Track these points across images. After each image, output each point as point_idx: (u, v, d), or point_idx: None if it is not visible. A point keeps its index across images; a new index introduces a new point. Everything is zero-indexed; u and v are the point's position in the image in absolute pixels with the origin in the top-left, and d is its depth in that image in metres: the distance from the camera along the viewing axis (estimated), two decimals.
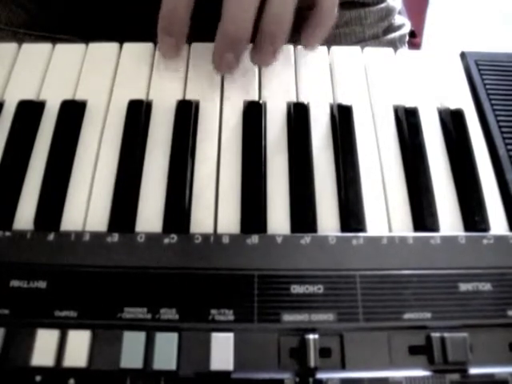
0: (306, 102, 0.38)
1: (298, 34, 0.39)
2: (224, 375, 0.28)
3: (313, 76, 0.40)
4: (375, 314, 0.30)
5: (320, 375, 0.28)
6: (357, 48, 0.42)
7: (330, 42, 0.54)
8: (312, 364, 0.28)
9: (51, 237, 0.31)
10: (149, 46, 0.41)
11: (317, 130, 0.37)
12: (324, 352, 0.29)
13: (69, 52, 0.41)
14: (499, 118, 0.38)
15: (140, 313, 0.29)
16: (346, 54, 0.42)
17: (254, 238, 0.32)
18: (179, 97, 0.39)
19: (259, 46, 0.37)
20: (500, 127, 0.37)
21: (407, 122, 0.37)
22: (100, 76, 0.39)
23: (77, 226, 0.32)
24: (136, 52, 0.41)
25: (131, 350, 0.28)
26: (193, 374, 0.28)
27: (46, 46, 0.41)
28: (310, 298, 0.30)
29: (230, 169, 0.35)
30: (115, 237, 0.31)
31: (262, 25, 0.36)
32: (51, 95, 0.38)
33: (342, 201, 0.34)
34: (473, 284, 0.31)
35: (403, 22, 0.62)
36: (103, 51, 0.41)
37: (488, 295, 0.31)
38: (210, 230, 0.33)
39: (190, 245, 0.31)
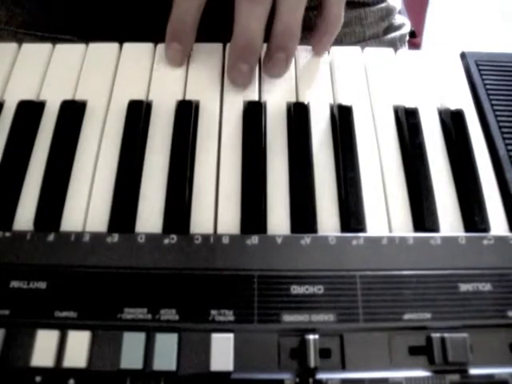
0: (306, 102, 0.38)
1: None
2: (224, 376, 0.28)
3: (313, 76, 0.40)
4: (375, 314, 0.30)
5: (320, 376, 0.28)
6: (357, 48, 0.42)
7: None
8: (312, 364, 0.28)
9: (51, 237, 0.31)
10: (149, 46, 0.41)
11: (317, 129, 0.37)
12: (324, 352, 0.29)
13: (69, 52, 0.41)
14: (499, 118, 0.38)
15: (140, 313, 0.29)
16: (346, 54, 0.42)
17: (254, 239, 0.32)
18: (179, 97, 0.38)
19: (271, 55, 0.38)
20: (500, 127, 0.37)
21: (407, 123, 0.37)
22: (100, 76, 0.39)
23: (77, 226, 0.32)
24: (136, 52, 0.41)
25: (131, 351, 0.28)
26: (193, 375, 0.28)
27: (45, 46, 0.41)
28: (310, 298, 0.30)
29: (230, 169, 0.35)
30: (115, 237, 0.31)
31: (272, 35, 0.37)
32: (51, 95, 0.38)
33: (342, 201, 0.34)
34: (473, 284, 0.31)
35: (403, 22, 0.62)
36: (103, 51, 0.41)
37: (488, 295, 0.31)
38: (209, 230, 0.33)
39: (190, 245, 0.31)
